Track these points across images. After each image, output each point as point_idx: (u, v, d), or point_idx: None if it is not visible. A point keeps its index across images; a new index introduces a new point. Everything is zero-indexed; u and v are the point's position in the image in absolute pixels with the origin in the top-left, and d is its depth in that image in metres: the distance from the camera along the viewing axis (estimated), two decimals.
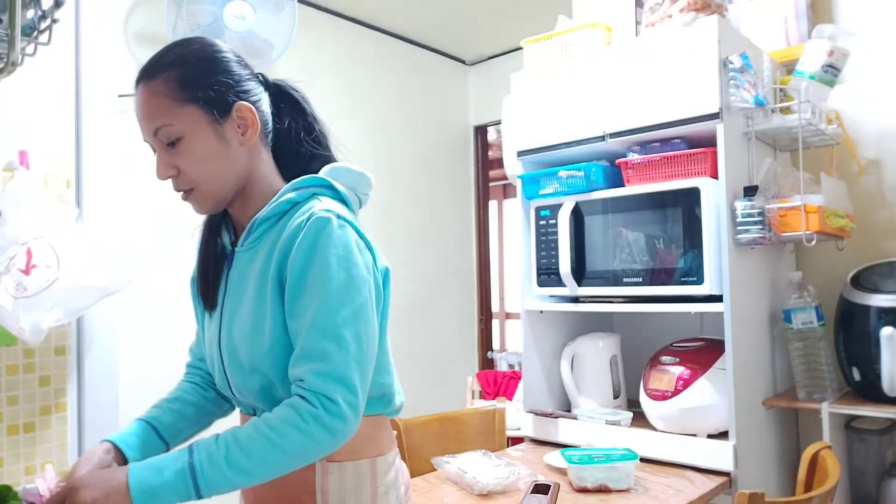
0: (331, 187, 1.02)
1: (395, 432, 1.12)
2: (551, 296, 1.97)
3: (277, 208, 1.00)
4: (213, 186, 1.00)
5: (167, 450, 1.07)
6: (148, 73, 0.98)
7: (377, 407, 1.03)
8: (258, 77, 1.07)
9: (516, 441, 2.13)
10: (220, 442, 0.87)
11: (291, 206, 1.00)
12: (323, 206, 0.96)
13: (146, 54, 1.01)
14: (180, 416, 1.11)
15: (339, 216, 0.95)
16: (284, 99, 1.08)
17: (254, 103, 1.01)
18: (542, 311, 2.01)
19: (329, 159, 1.08)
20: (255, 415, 1.02)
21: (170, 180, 1.00)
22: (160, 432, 1.08)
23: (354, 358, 0.91)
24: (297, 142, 1.07)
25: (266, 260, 0.97)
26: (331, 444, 0.90)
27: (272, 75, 1.10)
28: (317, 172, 1.04)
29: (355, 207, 1.05)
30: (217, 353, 1.05)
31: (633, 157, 1.81)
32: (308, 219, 0.94)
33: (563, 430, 1.89)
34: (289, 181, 1.03)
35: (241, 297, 1.00)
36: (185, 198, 1.02)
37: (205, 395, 1.16)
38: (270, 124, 1.06)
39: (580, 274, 1.87)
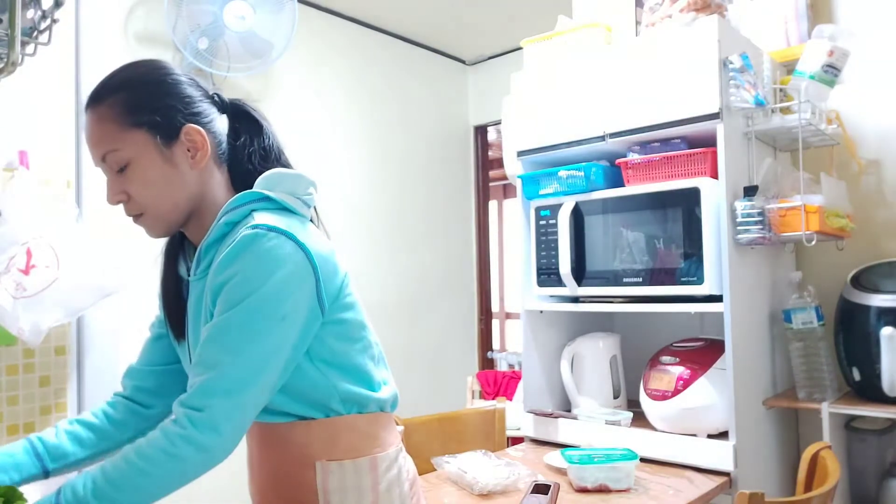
0: (267, 199, 0.98)
1: (401, 427, 1.12)
2: (551, 296, 1.97)
3: (218, 232, 0.97)
4: (164, 211, 0.99)
5: (44, 473, 1.02)
6: (95, 98, 0.97)
7: (371, 406, 1.02)
8: (213, 97, 1.05)
9: (516, 441, 2.13)
10: (87, 479, 0.84)
11: (231, 227, 0.97)
12: (255, 221, 0.93)
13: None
14: (72, 437, 1.06)
15: (270, 229, 0.92)
16: (241, 118, 1.07)
17: (205, 125, 1.00)
18: (542, 311, 2.01)
19: None
20: None
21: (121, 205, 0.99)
22: (39, 453, 1.02)
23: (252, 372, 0.88)
24: (248, 159, 1.04)
25: (207, 288, 0.95)
26: (206, 460, 0.86)
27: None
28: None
29: (301, 210, 1.01)
30: None
31: (633, 157, 1.81)
32: (236, 238, 0.92)
33: (563, 430, 1.89)
34: None
35: (199, 327, 0.98)
36: (136, 222, 1.00)
37: (111, 418, 1.11)
38: (224, 144, 1.04)
39: (580, 274, 1.87)
